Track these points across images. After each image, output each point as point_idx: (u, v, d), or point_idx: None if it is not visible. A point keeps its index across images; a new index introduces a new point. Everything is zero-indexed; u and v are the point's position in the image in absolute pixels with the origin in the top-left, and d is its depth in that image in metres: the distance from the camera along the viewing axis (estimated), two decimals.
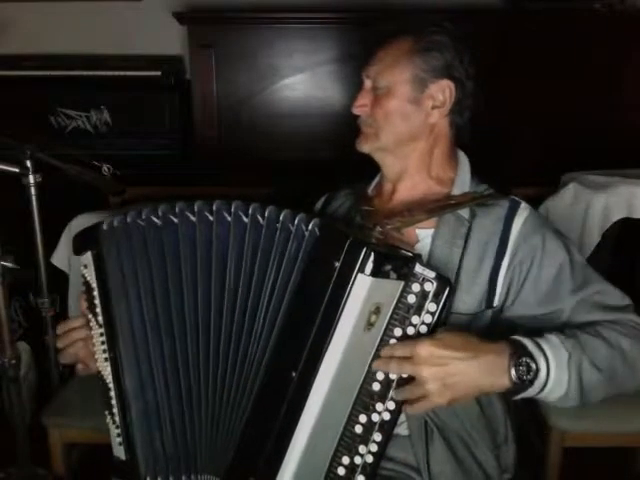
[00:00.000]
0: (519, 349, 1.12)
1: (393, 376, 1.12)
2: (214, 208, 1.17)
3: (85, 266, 1.28)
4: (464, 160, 1.40)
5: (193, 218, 1.18)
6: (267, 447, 1.14)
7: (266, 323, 1.14)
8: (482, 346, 1.11)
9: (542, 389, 1.13)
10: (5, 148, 1.80)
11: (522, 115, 2.56)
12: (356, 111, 1.36)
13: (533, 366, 1.11)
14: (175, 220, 1.18)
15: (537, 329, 1.19)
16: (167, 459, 1.24)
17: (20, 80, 2.73)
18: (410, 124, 1.32)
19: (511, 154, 2.46)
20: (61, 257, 2.08)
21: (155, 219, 1.19)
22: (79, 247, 1.30)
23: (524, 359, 1.11)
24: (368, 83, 1.35)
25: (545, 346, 1.13)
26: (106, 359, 1.28)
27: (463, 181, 1.36)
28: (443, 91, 1.31)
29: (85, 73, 2.73)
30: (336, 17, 2.68)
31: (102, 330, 1.27)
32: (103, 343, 1.27)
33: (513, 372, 1.10)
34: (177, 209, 1.18)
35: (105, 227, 1.24)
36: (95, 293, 1.27)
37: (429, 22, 1.33)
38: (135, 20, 2.89)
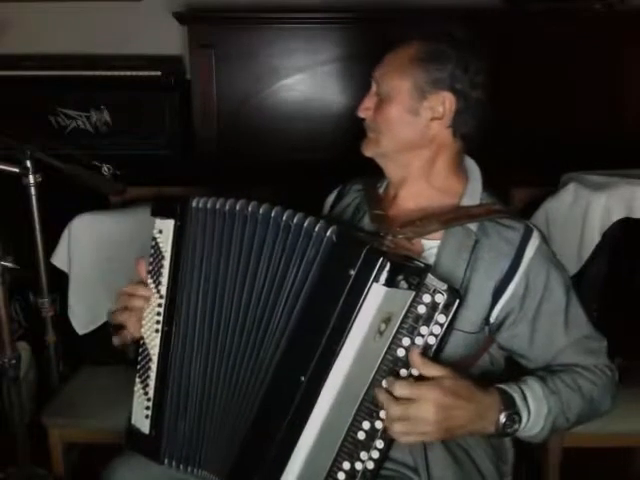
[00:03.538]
0: (509, 403, 1.17)
1: None
2: (261, 210, 1.21)
3: (160, 231, 1.30)
4: (475, 170, 1.38)
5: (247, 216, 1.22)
6: (272, 449, 1.15)
7: (280, 324, 1.17)
8: (479, 395, 1.16)
9: (516, 433, 1.21)
10: (5, 148, 1.80)
11: (522, 115, 2.56)
12: (360, 114, 1.35)
13: (517, 424, 1.18)
14: (258, 217, 1.21)
15: (524, 366, 1.31)
16: (184, 445, 1.27)
17: (20, 80, 2.72)
18: (409, 133, 1.31)
19: (511, 154, 2.45)
20: (61, 257, 2.08)
21: (245, 212, 1.22)
22: (161, 211, 1.31)
23: (513, 416, 1.17)
24: (374, 86, 1.34)
25: (530, 399, 1.19)
26: (157, 330, 1.29)
27: (474, 192, 1.34)
28: (443, 103, 1.28)
29: (85, 73, 2.73)
30: (336, 17, 2.68)
31: (161, 301, 1.29)
32: (159, 314, 1.29)
33: (501, 426, 1.17)
34: (250, 206, 1.22)
35: (195, 205, 1.26)
36: (165, 262, 1.29)
37: (435, 28, 1.30)
38: (135, 20, 2.89)
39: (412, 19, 2.60)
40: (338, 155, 2.54)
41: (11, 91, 2.66)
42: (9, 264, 1.69)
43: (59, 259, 2.08)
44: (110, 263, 2.03)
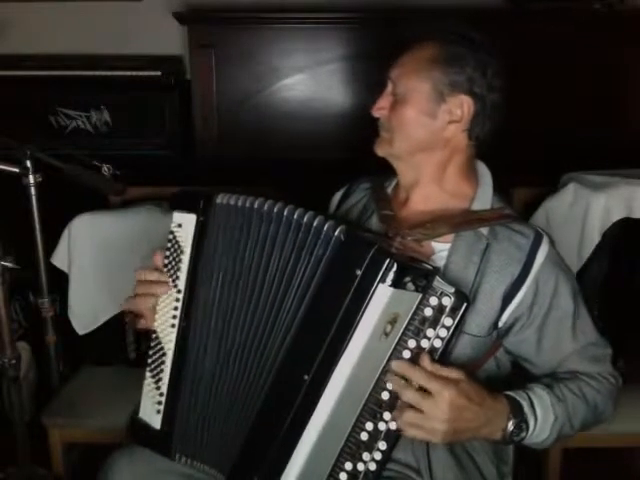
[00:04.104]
0: (516, 410, 1.18)
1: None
2: (275, 209, 1.21)
3: (179, 225, 1.29)
4: (486, 174, 1.37)
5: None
6: (273, 448, 1.15)
7: (286, 321, 1.17)
8: (489, 401, 1.16)
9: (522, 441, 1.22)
10: (5, 148, 1.79)
11: (522, 115, 2.55)
12: (375, 113, 1.33)
13: (524, 432, 1.19)
14: (273, 215, 1.21)
15: (529, 370, 1.32)
16: (193, 441, 1.27)
17: (20, 80, 2.73)
18: (424, 135, 1.29)
19: (511, 154, 2.45)
20: (61, 257, 2.08)
21: (262, 210, 1.22)
22: (182, 205, 1.29)
23: (520, 424, 1.18)
24: (390, 86, 1.32)
25: (537, 407, 1.20)
26: (173, 325, 1.29)
27: (484, 197, 1.33)
28: (461, 107, 1.27)
29: (85, 73, 2.73)
30: (336, 17, 2.68)
31: (179, 296, 1.28)
32: (176, 309, 1.28)
33: (508, 433, 1.18)
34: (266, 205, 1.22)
35: (220, 201, 1.26)
36: (183, 257, 1.28)
37: (454, 30, 1.29)
38: (135, 20, 2.89)
39: (413, 19, 2.61)
40: (338, 155, 2.55)
41: (11, 91, 2.66)
42: (9, 264, 1.68)
43: (59, 259, 2.08)
44: (110, 263, 2.04)
